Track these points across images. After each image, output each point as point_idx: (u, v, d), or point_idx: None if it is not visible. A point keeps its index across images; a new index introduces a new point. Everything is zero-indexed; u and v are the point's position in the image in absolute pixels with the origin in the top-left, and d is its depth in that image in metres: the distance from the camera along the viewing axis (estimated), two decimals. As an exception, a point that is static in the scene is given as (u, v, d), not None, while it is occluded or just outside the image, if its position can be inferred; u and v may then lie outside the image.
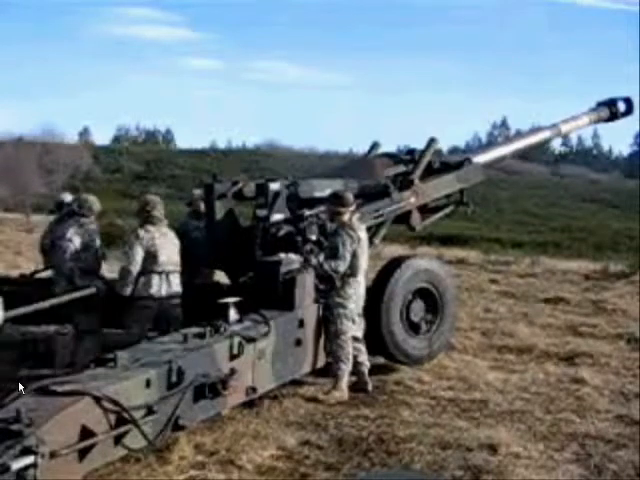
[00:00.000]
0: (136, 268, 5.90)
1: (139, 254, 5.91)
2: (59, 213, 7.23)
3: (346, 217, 6.30)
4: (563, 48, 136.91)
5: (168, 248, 6.02)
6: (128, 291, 5.93)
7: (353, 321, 6.19)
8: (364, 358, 6.36)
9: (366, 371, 6.36)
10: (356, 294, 6.21)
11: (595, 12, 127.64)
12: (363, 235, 6.33)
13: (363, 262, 6.26)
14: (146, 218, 6.05)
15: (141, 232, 5.99)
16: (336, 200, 6.36)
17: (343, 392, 6.06)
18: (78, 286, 6.14)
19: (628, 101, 10.13)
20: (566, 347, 8.23)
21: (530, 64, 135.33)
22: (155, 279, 5.95)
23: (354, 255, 6.16)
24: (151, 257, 5.93)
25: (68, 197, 7.25)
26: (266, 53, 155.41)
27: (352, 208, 6.38)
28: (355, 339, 6.28)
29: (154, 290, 5.94)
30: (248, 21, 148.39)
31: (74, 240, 6.27)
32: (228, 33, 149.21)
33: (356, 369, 6.32)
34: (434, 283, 7.17)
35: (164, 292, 5.99)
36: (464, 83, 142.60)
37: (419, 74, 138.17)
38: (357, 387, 6.28)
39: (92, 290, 6.07)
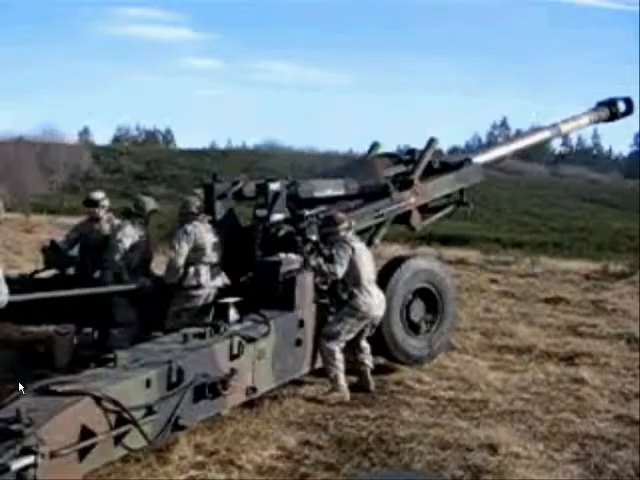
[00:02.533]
0: (182, 260, 6.28)
1: (184, 248, 6.27)
2: (88, 211, 7.27)
3: (342, 234, 6.29)
4: (563, 48, 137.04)
5: (212, 242, 6.37)
6: (174, 280, 6.31)
7: (347, 337, 6.14)
8: (369, 359, 6.37)
9: (368, 371, 6.36)
10: (366, 303, 6.16)
11: (595, 12, 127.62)
12: (358, 245, 6.31)
13: (365, 272, 6.22)
14: (188, 215, 6.41)
15: (189, 227, 6.34)
16: (329, 222, 6.38)
17: (343, 393, 6.05)
18: (124, 282, 6.47)
19: (628, 101, 10.12)
20: (566, 347, 8.23)
21: (530, 64, 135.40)
22: (203, 269, 6.30)
23: (353, 265, 6.16)
24: (199, 250, 6.30)
25: (100, 194, 7.34)
26: (266, 53, 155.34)
27: (345, 225, 6.35)
28: (361, 339, 6.29)
29: (203, 280, 6.30)
30: (248, 21, 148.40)
31: (124, 240, 6.55)
32: (228, 33, 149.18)
33: (359, 369, 6.33)
34: (434, 283, 7.17)
35: (211, 282, 6.32)
36: (464, 83, 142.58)
37: (419, 74, 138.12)
38: (359, 387, 6.28)
39: (133, 286, 6.39)
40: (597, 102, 10.08)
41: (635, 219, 29.50)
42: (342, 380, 6.09)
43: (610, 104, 10.02)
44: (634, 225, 28.01)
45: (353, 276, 6.18)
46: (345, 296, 6.18)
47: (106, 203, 7.25)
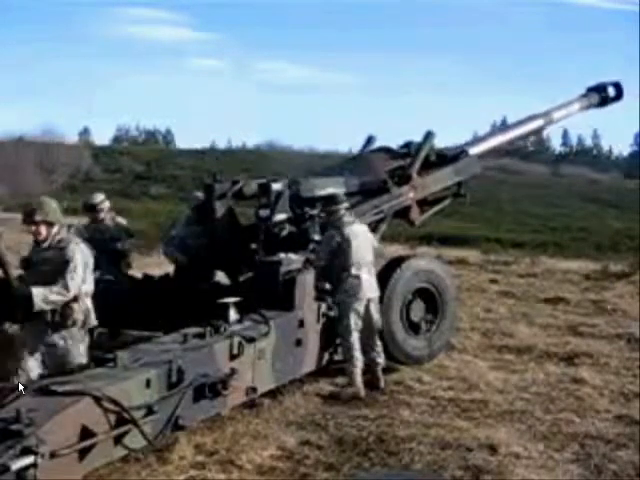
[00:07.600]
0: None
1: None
2: (90, 215, 7.22)
3: (341, 213, 6.32)
4: (563, 48, 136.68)
5: None
6: None
7: (357, 323, 6.15)
8: (381, 357, 6.39)
9: (379, 368, 6.38)
10: (353, 285, 6.16)
11: (595, 12, 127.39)
12: (348, 230, 6.25)
13: (355, 257, 6.19)
14: None
15: None
16: (329, 200, 6.46)
17: (357, 388, 6.06)
18: None
19: (617, 86, 10.07)
20: (566, 347, 8.22)
21: (530, 64, 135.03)
22: None
23: (342, 251, 6.15)
24: None
25: (99, 197, 7.28)
26: (267, 53, 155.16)
27: (344, 205, 6.40)
28: (373, 335, 6.32)
29: None
30: (249, 21, 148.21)
31: None
32: (229, 33, 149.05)
33: (370, 368, 6.33)
34: (434, 283, 7.17)
35: None
36: (464, 83, 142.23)
37: (419, 74, 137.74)
38: (369, 383, 6.26)
39: None
40: (587, 88, 10.04)
41: (635, 219, 29.42)
42: (358, 376, 6.10)
43: (600, 89, 9.99)
44: (634, 225, 27.96)
45: (339, 263, 6.18)
46: (328, 286, 6.18)
47: (106, 205, 7.25)
